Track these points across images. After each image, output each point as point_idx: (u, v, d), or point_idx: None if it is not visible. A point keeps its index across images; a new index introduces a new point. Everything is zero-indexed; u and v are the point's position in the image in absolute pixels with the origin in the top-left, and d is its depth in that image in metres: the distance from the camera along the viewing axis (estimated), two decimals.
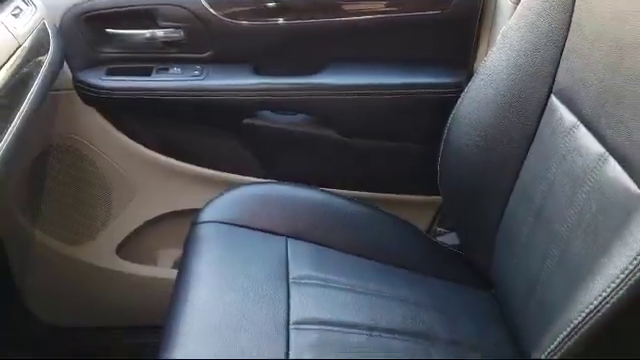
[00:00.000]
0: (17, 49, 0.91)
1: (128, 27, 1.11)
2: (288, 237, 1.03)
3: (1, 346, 1.26)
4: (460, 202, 1.07)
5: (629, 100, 0.69)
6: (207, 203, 1.06)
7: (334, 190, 1.14)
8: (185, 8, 1.09)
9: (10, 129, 0.84)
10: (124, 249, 1.26)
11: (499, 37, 0.97)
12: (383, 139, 1.18)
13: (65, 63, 1.09)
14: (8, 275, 1.26)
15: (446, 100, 1.06)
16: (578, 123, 0.81)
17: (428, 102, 1.13)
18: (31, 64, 0.96)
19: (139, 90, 1.11)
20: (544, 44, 0.89)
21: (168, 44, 1.12)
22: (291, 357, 0.80)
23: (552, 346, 0.61)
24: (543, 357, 0.62)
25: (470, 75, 1.05)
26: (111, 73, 1.12)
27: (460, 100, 1.02)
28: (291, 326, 0.86)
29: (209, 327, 0.82)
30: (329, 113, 1.15)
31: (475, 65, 1.15)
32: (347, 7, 1.11)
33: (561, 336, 0.60)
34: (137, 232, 1.26)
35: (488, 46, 1.14)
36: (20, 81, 0.91)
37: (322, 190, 1.12)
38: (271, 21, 1.10)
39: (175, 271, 0.98)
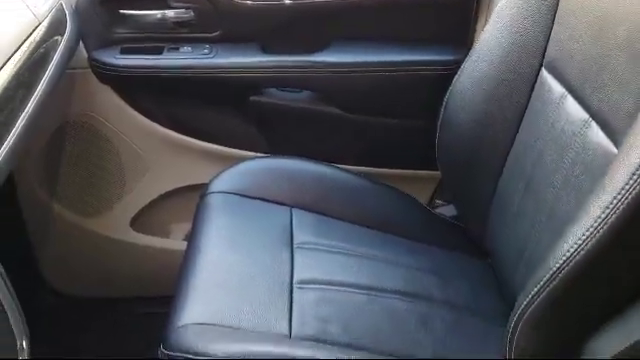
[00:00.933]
0: (37, 27, 0.97)
1: (141, 8, 1.17)
2: (293, 207, 1.09)
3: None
4: (456, 175, 1.11)
5: (609, 68, 0.74)
6: (216, 175, 1.12)
7: (337, 165, 1.19)
8: None
9: (30, 104, 0.89)
10: (138, 222, 1.32)
11: (493, 14, 1.01)
12: (384, 115, 1.23)
13: (81, 43, 1.15)
14: (27, 246, 1.32)
15: (445, 77, 1.11)
16: (566, 93, 0.86)
17: (427, 79, 1.18)
18: (49, 42, 1.01)
19: (151, 68, 1.16)
20: (535, 20, 0.93)
21: (179, 24, 1.18)
22: (294, 312, 0.86)
23: (535, 290, 0.66)
24: (526, 301, 0.67)
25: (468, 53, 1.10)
26: (125, 52, 1.17)
27: (457, 76, 1.06)
28: (294, 285, 0.92)
29: (218, 283, 0.88)
30: (332, 90, 1.20)
31: (473, 43, 1.19)
32: None
33: (542, 281, 0.65)
34: (150, 206, 1.31)
35: (486, 24, 1.18)
36: (39, 58, 0.97)
37: (325, 164, 1.17)
38: (277, 1, 1.15)
39: (185, 243, 1.04)
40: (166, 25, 1.18)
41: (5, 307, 0.59)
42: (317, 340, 0.81)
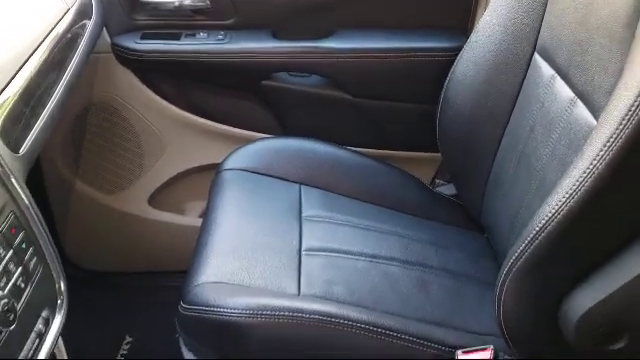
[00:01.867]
0: (66, 12, 1.05)
1: None
2: (301, 184, 1.16)
3: None
4: (455, 155, 1.18)
5: (592, 50, 0.80)
6: (230, 153, 1.19)
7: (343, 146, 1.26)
8: None
9: (61, 84, 0.97)
10: (155, 199, 1.40)
11: (491, 3, 1.08)
12: (388, 99, 1.30)
13: (104, 28, 1.23)
14: (50, 221, 1.40)
15: (446, 63, 1.17)
16: (555, 75, 0.92)
17: (429, 65, 1.25)
18: (77, 27, 1.09)
19: (169, 52, 1.24)
20: (529, 8, 1.00)
21: (195, 11, 1.25)
22: (302, 275, 0.93)
23: (520, 249, 0.73)
24: (512, 260, 0.74)
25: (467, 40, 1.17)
26: (145, 37, 1.25)
27: (456, 62, 1.13)
28: (303, 252, 0.99)
29: (232, 248, 0.96)
30: (339, 74, 1.27)
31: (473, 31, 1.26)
32: None
33: (527, 240, 0.72)
34: (167, 184, 1.39)
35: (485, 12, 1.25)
36: (68, 41, 1.04)
37: (332, 144, 1.24)
38: None
39: (200, 220, 1.11)
40: (184, 12, 1.25)
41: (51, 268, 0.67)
42: (324, 298, 0.88)
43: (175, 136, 1.34)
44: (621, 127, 0.65)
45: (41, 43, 0.92)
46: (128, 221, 1.40)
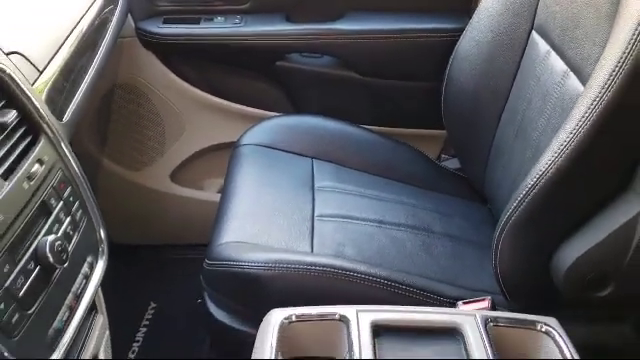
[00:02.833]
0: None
1: None
2: (314, 158, 1.24)
3: None
4: (459, 130, 1.25)
5: (582, 24, 0.87)
6: (247, 129, 1.27)
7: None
8: None
9: (93, 64, 1.05)
10: (176, 175, 1.49)
11: None
12: (396, 78, 1.37)
13: (129, 14, 1.31)
14: None
15: (450, 43, 1.24)
16: (550, 50, 0.99)
17: (435, 45, 1.32)
18: (106, 12, 1.17)
19: (189, 36, 1.32)
20: None
21: None
22: (315, 237, 1.01)
23: (514, 204, 0.80)
24: (507, 215, 0.81)
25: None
26: (167, 22, 1.34)
27: (459, 41, 1.20)
28: (315, 218, 1.07)
29: (250, 213, 1.04)
30: (349, 55, 1.34)
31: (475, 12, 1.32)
32: None
33: (520, 196, 0.79)
34: (187, 161, 1.48)
35: None
36: (99, 25, 1.12)
37: (343, 121, 1.32)
38: None
39: (218, 195, 1.18)
40: None
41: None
42: (335, 256, 0.96)
43: (194, 116, 1.43)
44: (603, 91, 0.72)
45: (75, 27, 1.00)
46: (151, 196, 1.49)
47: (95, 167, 1.46)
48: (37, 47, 0.81)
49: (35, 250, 0.62)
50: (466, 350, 0.72)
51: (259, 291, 0.89)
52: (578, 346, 0.72)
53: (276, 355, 0.71)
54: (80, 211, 0.72)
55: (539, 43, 1.03)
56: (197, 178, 1.51)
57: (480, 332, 0.73)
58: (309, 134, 1.28)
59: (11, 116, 0.65)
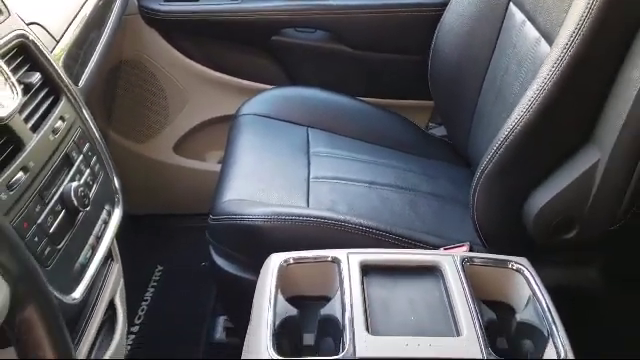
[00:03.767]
0: None
1: None
2: (308, 127, 1.32)
3: None
4: (445, 99, 1.34)
5: None
6: (245, 100, 1.35)
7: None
8: None
9: (102, 38, 1.13)
10: (179, 147, 1.57)
11: None
12: (385, 51, 1.45)
13: None
14: None
15: (435, 17, 1.32)
16: (525, 19, 1.07)
17: (421, 19, 1.39)
18: None
19: (189, 12, 1.40)
20: None
21: None
22: (311, 195, 1.10)
23: (488, 157, 0.89)
24: (482, 167, 0.90)
25: None
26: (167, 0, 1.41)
27: (444, 15, 1.28)
28: (311, 179, 1.16)
29: (250, 173, 1.13)
30: (340, 29, 1.42)
31: None
32: None
33: (493, 149, 0.88)
34: (189, 133, 1.56)
35: None
36: (105, 3, 1.20)
37: (336, 93, 1.39)
38: None
39: (219, 166, 1.25)
40: None
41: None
42: (329, 211, 1.05)
43: (196, 90, 1.51)
44: (565, 51, 0.81)
45: (85, 2, 1.08)
46: (156, 167, 1.57)
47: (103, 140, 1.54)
48: (53, 19, 0.89)
49: (61, 195, 0.70)
50: (445, 286, 0.81)
51: (259, 241, 0.97)
52: (550, 288, 0.81)
53: (275, 293, 0.80)
54: (98, 165, 0.81)
55: (515, 14, 1.11)
56: (199, 150, 1.59)
57: (457, 270, 0.82)
58: (304, 104, 1.36)
59: (36, 78, 0.73)
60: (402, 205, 1.13)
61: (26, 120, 0.69)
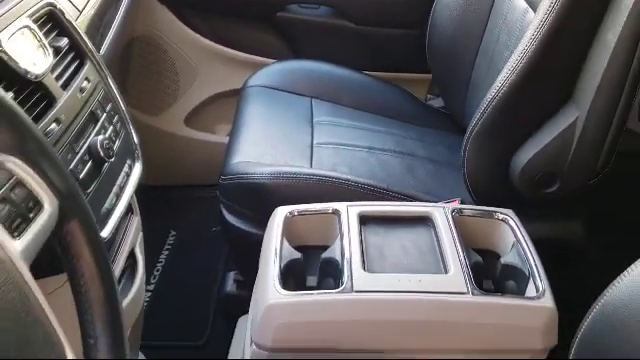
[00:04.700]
0: None
1: None
2: (312, 97, 1.40)
3: None
4: (442, 70, 1.41)
5: None
6: (252, 73, 1.43)
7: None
8: None
9: (118, 15, 1.21)
10: (190, 120, 1.65)
11: None
12: (386, 26, 1.52)
13: None
14: None
15: None
16: None
17: None
18: None
19: None
20: None
21: None
22: (314, 159, 1.18)
23: (478, 115, 0.96)
24: (471, 126, 0.97)
25: None
26: None
27: None
28: (314, 145, 1.24)
29: (258, 139, 1.21)
30: (344, 5, 1.49)
31: None
32: None
33: (482, 109, 0.95)
34: (199, 106, 1.64)
35: None
36: None
37: (338, 66, 1.47)
38: None
39: (227, 138, 1.33)
40: None
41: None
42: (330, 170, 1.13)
43: (205, 64, 1.58)
44: (546, 16, 0.88)
45: None
46: (168, 139, 1.65)
47: None
48: None
49: (89, 146, 0.78)
50: (435, 233, 0.89)
51: (266, 198, 1.05)
52: (535, 239, 0.89)
53: (281, 240, 0.88)
54: (119, 123, 0.89)
55: None
56: (209, 123, 1.67)
57: (448, 219, 0.90)
58: (308, 77, 1.44)
59: (64, 42, 0.81)
60: (400, 168, 1.21)
61: (57, 79, 0.77)
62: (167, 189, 1.73)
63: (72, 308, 0.50)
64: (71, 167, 0.74)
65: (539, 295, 0.79)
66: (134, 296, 0.93)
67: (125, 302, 0.88)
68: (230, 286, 1.27)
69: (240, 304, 1.09)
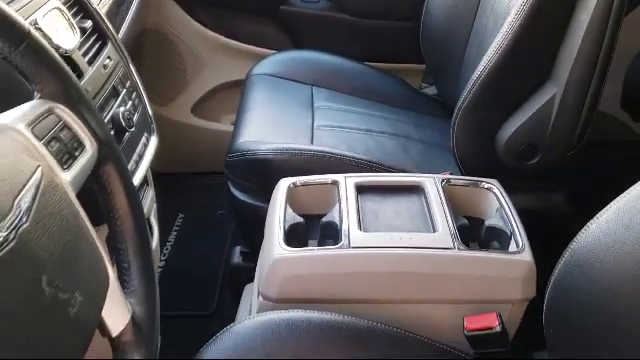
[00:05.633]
0: None
1: None
2: (312, 85, 1.49)
3: None
4: (435, 60, 1.49)
5: None
6: (256, 63, 1.51)
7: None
8: None
9: (129, 13, 1.29)
10: (197, 110, 1.74)
11: None
12: (382, 18, 1.61)
13: None
14: None
15: None
16: None
17: None
18: None
19: None
20: None
21: None
22: (314, 139, 1.26)
23: (466, 92, 1.04)
24: (459, 103, 1.06)
25: None
26: None
27: None
28: (314, 127, 1.32)
29: (262, 121, 1.29)
30: None
31: None
32: None
33: (470, 85, 1.03)
34: (206, 96, 1.73)
35: None
36: None
37: (337, 56, 1.55)
38: None
39: (232, 127, 1.41)
40: None
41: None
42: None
43: (211, 56, 1.67)
44: (526, 0, 0.96)
45: None
46: (176, 128, 1.74)
47: None
48: None
49: (112, 117, 0.87)
50: (426, 199, 0.97)
51: (270, 173, 1.13)
52: (521, 210, 0.97)
53: (285, 206, 0.96)
54: (137, 99, 0.97)
55: None
56: (214, 112, 1.76)
57: (437, 188, 0.99)
58: (309, 66, 1.52)
59: (88, 24, 0.90)
60: (395, 148, 1.29)
61: (83, 55, 0.86)
62: (175, 176, 1.82)
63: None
64: None
65: (519, 250, 0.88)
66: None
67: None
68: (237, 258, 1.36)
69: (246, 274, 1.17)
